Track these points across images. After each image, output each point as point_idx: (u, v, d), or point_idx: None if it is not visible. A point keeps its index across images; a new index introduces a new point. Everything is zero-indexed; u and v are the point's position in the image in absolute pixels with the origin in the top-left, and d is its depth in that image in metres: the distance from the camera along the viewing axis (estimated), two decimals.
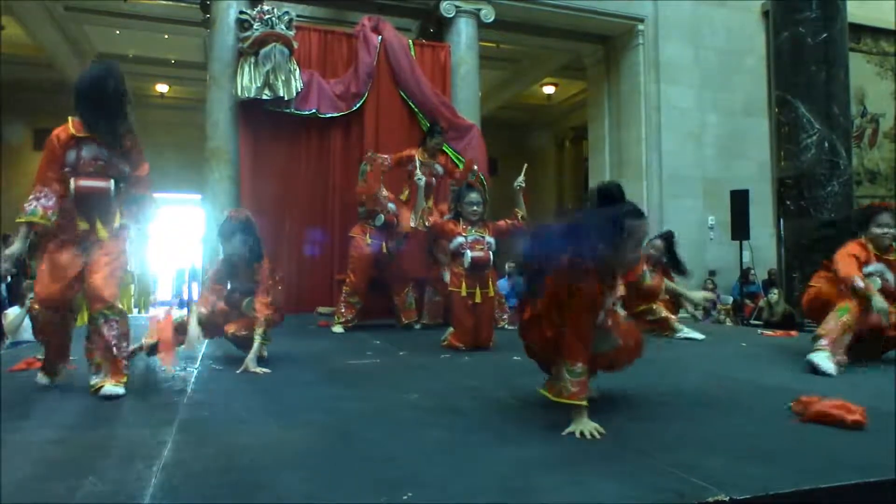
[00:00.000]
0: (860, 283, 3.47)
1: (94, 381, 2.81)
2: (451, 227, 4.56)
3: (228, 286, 3.81)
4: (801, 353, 4.41)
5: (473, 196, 4.58)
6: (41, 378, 3.07)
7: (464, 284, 4.43)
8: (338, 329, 5.44)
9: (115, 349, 2.82)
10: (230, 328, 3.67)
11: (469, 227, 4.51)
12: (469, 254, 4.39)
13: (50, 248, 2.87)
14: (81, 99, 2.87)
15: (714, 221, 10.00)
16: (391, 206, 5.63)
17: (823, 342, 3.48)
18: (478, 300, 4.41)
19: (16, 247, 2.81)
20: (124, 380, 2.84)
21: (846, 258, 3.63)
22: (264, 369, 3.43)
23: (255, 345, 3.51)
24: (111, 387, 2.76)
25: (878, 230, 3.70)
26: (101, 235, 2.87)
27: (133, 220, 2.99)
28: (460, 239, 4.46)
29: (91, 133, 2.85)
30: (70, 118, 2.90)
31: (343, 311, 5.52)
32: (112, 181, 2.88)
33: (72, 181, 2.82)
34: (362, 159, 6.15)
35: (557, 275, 2.27)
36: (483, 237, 4.50)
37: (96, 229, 2.88)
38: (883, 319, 3.47)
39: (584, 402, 2.22)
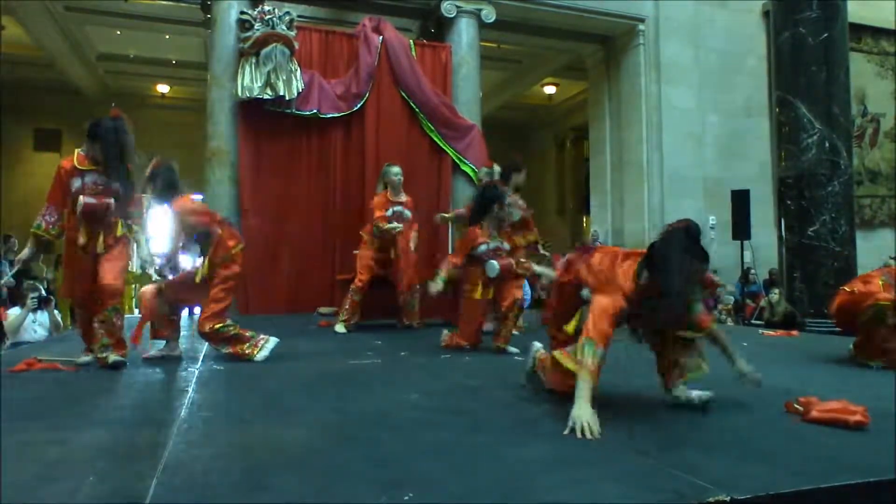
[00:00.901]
0: None
1: (103, 354, 3.51)
2: (477, 234, 4.40)
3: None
4: (802, 353, 4.42)
5: (509, 199, 4.43)
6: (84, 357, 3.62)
7: (479, 288, 4.38)
8: (340, 329, 5.42)
9: (119, 332, 3.58)
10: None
11: (493, 233, 4.40)
12: (496, 265, 4.29)
13: (67, 256, 3.52)
14: (100, 145, 3.46)
15: (715, 221, 9.99)
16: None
17: None
18: (489, 296, 4.43)
19: (25, 252, 3.61)
20: (125, 353, 3.59)
21: None
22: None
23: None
24: (116, 357, 3.51)
25: None
26: (100, 248, 3.49)
27: (129, 231, 3.63)
28: (484, 247, 4.37)
29: (95, 167, 3.50)
30: (76, 150, 3.55)
31: (347, 307, 5.50)
32: (112, 199, 3.50)
33: (80, 198, 3.43)
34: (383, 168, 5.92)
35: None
36: (502, 244, 4.44)
37: (98, 241, 3.49)
38: None
39: (589, 378, 2.24)
